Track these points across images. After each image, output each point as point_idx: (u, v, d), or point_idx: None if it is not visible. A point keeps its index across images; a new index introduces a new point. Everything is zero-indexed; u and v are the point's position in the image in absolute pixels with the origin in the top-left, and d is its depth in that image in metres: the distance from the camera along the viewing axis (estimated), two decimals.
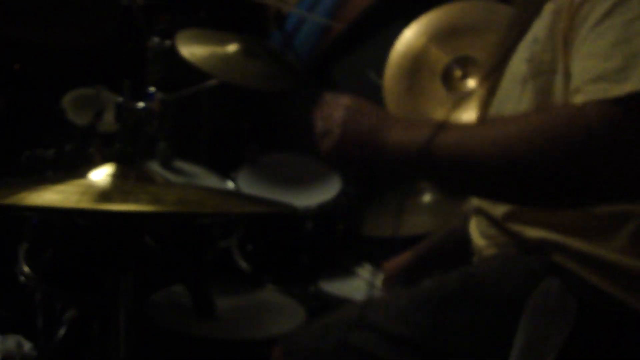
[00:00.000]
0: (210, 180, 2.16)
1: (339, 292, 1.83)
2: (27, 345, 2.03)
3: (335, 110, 1.07)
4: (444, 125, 0.99)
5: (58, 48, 2.30)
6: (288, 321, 1.69)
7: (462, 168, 0.97)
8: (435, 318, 1.10)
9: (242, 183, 2.16)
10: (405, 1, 2.43)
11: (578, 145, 0.90)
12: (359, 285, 1.89)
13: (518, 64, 1.16)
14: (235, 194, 1.93)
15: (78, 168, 1.73)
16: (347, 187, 2.19)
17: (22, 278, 1.75)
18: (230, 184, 2.16)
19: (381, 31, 2.53)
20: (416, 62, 2.08)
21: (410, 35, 2.10)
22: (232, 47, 2.31)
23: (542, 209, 1.07)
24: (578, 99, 0.94)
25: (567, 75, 1.01)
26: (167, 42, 2.31)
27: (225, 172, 2.21)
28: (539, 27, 1.12)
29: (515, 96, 1.12)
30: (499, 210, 1.14)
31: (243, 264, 2.03)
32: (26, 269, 1.75)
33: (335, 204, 2.11)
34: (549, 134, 0.92)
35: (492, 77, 1.25)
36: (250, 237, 2.09)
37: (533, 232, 1.08)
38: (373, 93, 2.18)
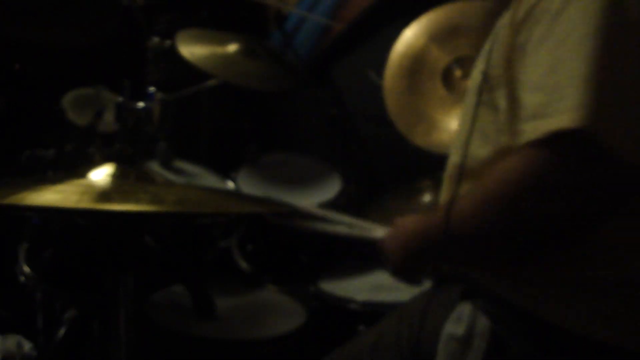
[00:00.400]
0: (210, 180, 2.16)
1: (339, 292, 1.83)
2: (27, 345, 2.03)
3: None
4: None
5: (58, 48, 2.30)
6: (288, 321, 1.69)
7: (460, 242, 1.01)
8: None
9: (242, 183, 2.16)
10: (405, 1, 2.42)
11: (514, 200, 0.93)
12: (359, 285, 1.89)
13: (476, 73, 1.14)
14: (235, 194, 1.93)
15: (78, 168, 1.73)
16: (347, 187, 2.18)
17: (22, 278, 1.75)
18: (230, 184, 2.16)
19: (381, 31, 2.53)
20: (416, 62, 2.08)
21: (410, 35, 2.10)
22: (232, 47, 2.31)
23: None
24: (518, 140, 0.94)
25: (510, 95, 1.00)
26: (167, 42, 2.31)
27: (225, 172, 2.21)
28: (492, 38, 1.10)
29: (471, 106, 1.11)
30: None
31: (243, 264, 2.03)
32: (26, 269, 1.75)
33: (335, 204, 2.11)
34: (503, 188, 0.94)
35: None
36: (250, 237, 2.09)
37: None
38: (373, 93, 2.18)
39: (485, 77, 1.06)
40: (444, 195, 1.18)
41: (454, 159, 1.15)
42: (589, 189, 0.90)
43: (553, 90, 0.90)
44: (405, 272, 1.17)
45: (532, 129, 0.91)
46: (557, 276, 1.00)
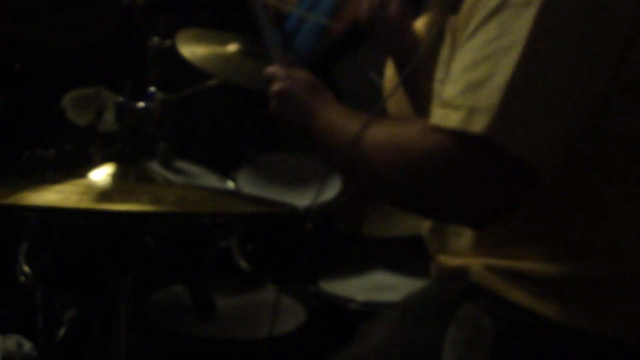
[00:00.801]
0: (210, 180, 2.16)
1: (339, 292, 1.83)
2: (27, 345, 2.03)
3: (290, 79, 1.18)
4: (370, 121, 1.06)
5: (58, 48, 2.30)
6: (288, 321, 1.69)
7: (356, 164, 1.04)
8: None
9: (242, 183, 2.16)
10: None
11: (414, 166, 0.95)
12: (359, 285, 1.89)
13: (436, 84, 1.17)
14: (235, 194, 1.93)
15: (78, 168, 1.73)
16: (347, 187, 2.18)
17: (22, 278, 1.75)
18: (230, 184, 2.16)
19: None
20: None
21: None
22: (232, 47, 2.31)
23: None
24: (431, 119, 0.96)
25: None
26: (167, 42, 2.31)
27: (225, 172, 2.21)
28: (449, 45, 1.12)
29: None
30: (433, 247, 1.18)
31: (243, 264, 2.03)
32: (26, 268, 1.75)
33: (335, 204, 2.11)
34: (397, 147, 0.98)
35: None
36: (250, 237, 2.09)
37: (454, 262, 1.11)
38: (373, 93, 2.17)
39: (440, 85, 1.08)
40: None
41: None
42: (479, 186, 0.92)
43: (468, 86, 0.92)
44: (279, 123, 1.20)
45: (442, 116, 0.93)
46: (559, 270, 0.99)
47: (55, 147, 1.86)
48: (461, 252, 1.10)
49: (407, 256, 2.01)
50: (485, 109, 0.90)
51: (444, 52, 1.15)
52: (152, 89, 1.54)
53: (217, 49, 2.29)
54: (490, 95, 0.90)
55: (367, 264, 1.98)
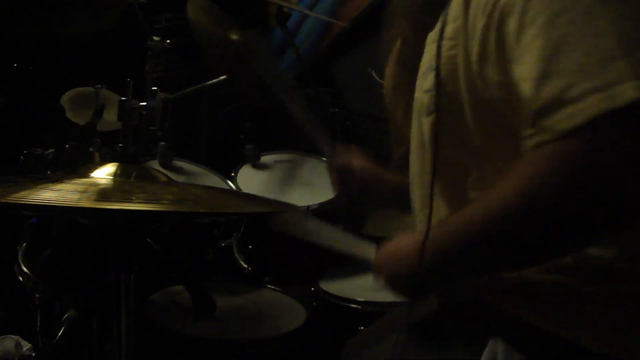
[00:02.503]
0: (210, 179, 2.16)
1: (339, 292, 1.82)
2: (25, 346, 2.02)
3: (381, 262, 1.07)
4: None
5: (59, 46, 2.30)
6: (288, 321, 1.69)
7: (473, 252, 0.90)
8: None
9: (242, 183, 2.16)
10: None
11: (569, 181, 0.78)
12: (359, 285, 1.88)
13: (419, 93, 1.07)
14: (236, 194, 1.93)
15: (78, 167, 1.72)
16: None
17: (21, 278, 1.75)
18: (230, 184, 2.15)
19: (382, 30, 2.52)
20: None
21: None
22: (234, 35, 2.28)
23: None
24: (531, 141, 0.81)
25: (475, 105, 0.94)
26: (168, 41, 2.30)
27: (225, 172, 2.21)
28: (427, 58, 1.05)
29: (417, 127, 1.06)
30: None
31: (243, 264, 2.02)
32: (25, 269, 1.74)
33: (336, 203, 2.11)
34: (537, 184, 0.80)
35: None
36: (250, 237, 2.08)
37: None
38: (373, 92, 2.17)
39: (438, 93, 0.99)
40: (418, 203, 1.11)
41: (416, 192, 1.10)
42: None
43: (576, 71, 0.78)
44: (409, 295, 1.06)
45: (561, 119, 0.77)
46: (588, 295, 0.91)
47: (55, 146, 1.86)
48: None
49: None
50: (618, 75, 0.75)
51: (424, 64, 1.07)
52: (155, 89, 1.54)
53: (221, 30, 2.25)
54: (606, 60, 0.76)
55: (367, 264, 1.97)
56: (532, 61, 0.81)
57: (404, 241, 1.03)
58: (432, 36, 1.05)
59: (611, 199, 0.77)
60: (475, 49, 0.91)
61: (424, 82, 1.04)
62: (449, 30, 0.98)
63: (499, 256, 0.88)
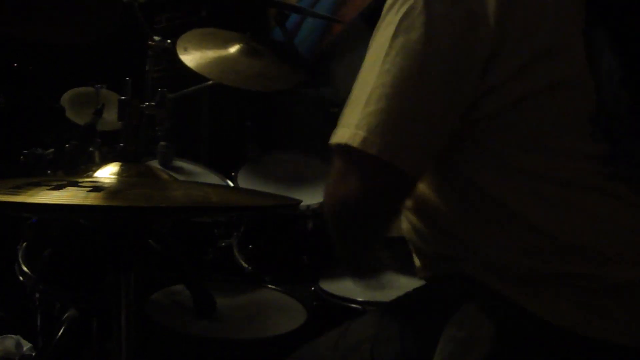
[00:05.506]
0: (210, 179, 2.16)
1: (339, 292, 1.82)
2: (26, 346, 2.02)
3: None
4: None
5: (58, 45, 2.30)
6: (288, 321, 1.69)
7: None
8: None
9: (243, 182, 2.16)
10: None
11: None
12: (359, 285, 1.88)
13: None
14: (238, 190, 1.93)
15: (78, 167, 1.73)
16: None
17: (21, 278, 1.75)
18: (230, 184, 2.15)
19: None
20: None
21: None
22: (233, 49, 2.30)
23: None
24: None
25: None
26: (168, 41, 2.30)
27: (226, 172, 2.21)
28: None
29: None
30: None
31: (243, 264, 2.02)
32: (25, 268, 1.74)
33: None
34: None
35: None
36: (250, 237, 2.08)
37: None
38: None
39: None
40: None
41: None
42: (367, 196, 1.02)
43: (349, 104, 1.01)
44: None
45: (334, 135, 1.02)
46: (558, 276, 0.99)
47: (55, 146, 1.86)
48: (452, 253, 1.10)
49: (408, 256, 2.00)
50: (352, 124, 0.99)
51: None
52: (162, 89, 1.54)
53: (219, 52, 2.28)
54: (356, 112, 1.00)
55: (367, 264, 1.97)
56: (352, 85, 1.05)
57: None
58: None
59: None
60: None
61: None
62: None
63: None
